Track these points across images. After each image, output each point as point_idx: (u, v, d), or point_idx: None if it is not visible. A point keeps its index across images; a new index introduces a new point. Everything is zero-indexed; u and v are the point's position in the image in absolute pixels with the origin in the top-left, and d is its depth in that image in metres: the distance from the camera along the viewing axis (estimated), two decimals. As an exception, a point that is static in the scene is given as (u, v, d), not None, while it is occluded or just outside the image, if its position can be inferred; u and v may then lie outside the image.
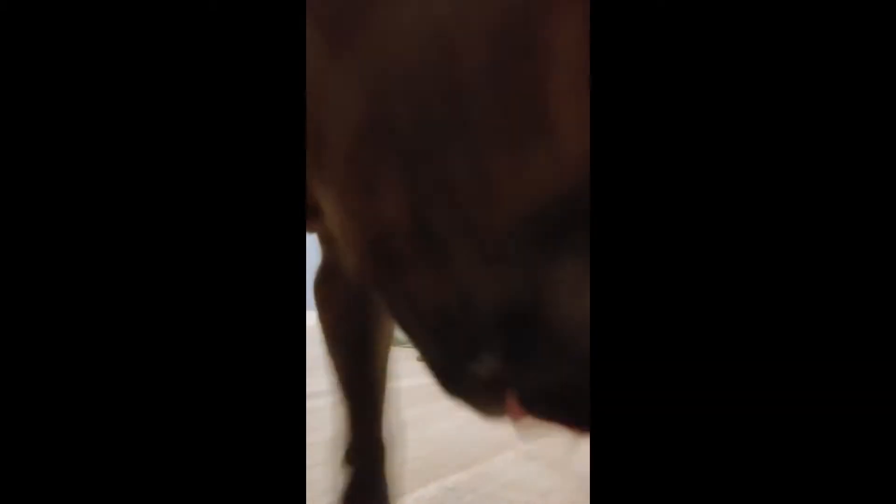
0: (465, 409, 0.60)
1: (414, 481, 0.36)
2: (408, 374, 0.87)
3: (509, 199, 0.24)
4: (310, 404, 0.62)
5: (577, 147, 0.23)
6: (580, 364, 0.24)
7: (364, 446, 0.33)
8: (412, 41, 0.25)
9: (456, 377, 0.29)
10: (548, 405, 0.27)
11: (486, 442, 0.45)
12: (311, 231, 0.33)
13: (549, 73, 0.23)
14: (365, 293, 0.36)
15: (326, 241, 0.36)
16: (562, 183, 0.24)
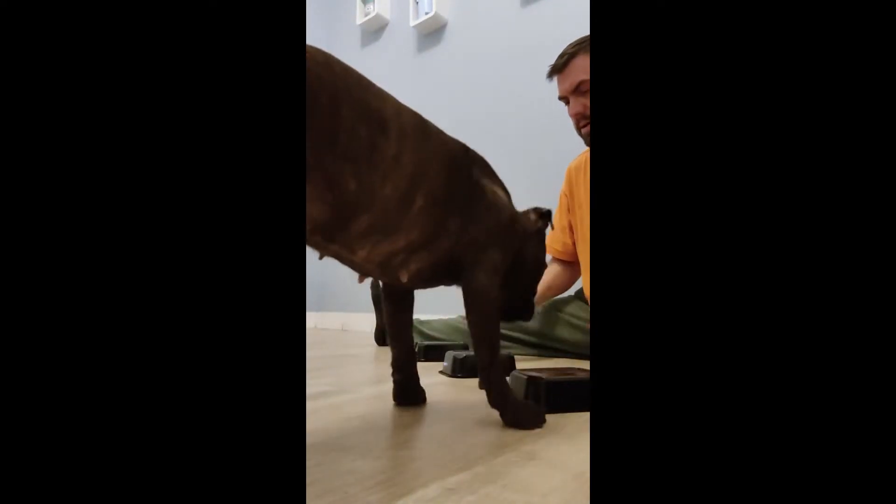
0: (465, 409, 0.60)
1: (414, 481, 0.36)
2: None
3: None
4: (310, 405, 0.62)
5: None
6: None
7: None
8: None
9: None
10: None
11: (486, 442, 0.45)
12: None
13: None
14: None
15: None
16: None
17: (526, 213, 0.63)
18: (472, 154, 0.55)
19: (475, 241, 0.52)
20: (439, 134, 0.50)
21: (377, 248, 0.46)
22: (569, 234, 1.27)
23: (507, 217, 0.56)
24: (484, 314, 0.52)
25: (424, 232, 0.48)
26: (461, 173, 0.51)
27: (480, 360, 0.53)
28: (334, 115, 0.38)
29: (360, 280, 0.55)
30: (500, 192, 0.57)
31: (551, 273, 1.28)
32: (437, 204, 0.48)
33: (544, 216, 0.63)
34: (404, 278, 0.51)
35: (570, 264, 1.29)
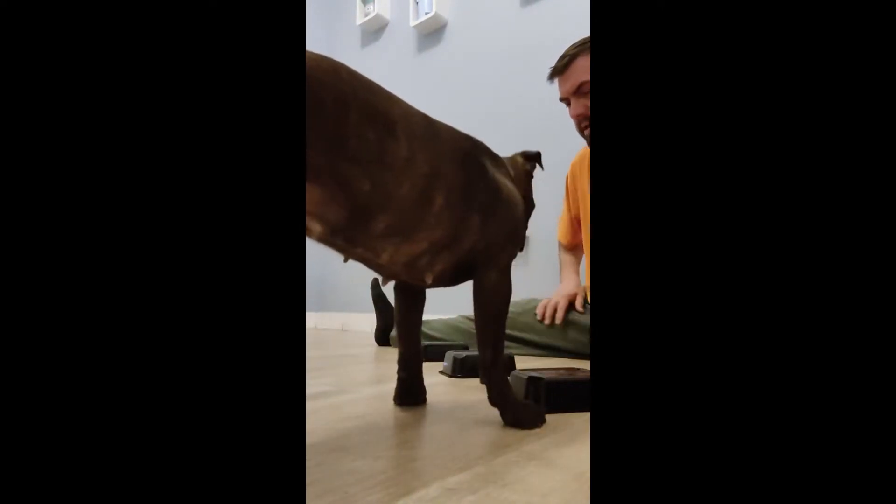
0: (465, 409, 0.60)
1: (414, 481, 0.36)
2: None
3: None
4: (310, 405, 0.62)
5: None
6: None
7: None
8: None
9: None
10: None
11: (486, 442, 0.45)
12: None
13: None
14: None
15: None
16: None
17: (514, 157, 0.64)
18: (481, 146, 0.55)
19: (493, 241, 0.53)
20: (449, 131, 0.51)
21: (401, 250, 0.46)
22: (576, 225, 1.33)
23: (520, 211, 0.57)
24: (491, 314, 0.53)
25: (448, 231, 0.48)
26: (475, 169, 0.52)
27: (483, 358, 0.53)
28: (341, 119, 0.38)
29: (384, 282, 0.56)
30: (510, 184, 0.58)
31: (569, 263, 1.33)
32: (457, 202, 0.48)
33: (531, 158, 0.65)
34: (429, 280, 0.52)
35: (577, 252, 1.36)
